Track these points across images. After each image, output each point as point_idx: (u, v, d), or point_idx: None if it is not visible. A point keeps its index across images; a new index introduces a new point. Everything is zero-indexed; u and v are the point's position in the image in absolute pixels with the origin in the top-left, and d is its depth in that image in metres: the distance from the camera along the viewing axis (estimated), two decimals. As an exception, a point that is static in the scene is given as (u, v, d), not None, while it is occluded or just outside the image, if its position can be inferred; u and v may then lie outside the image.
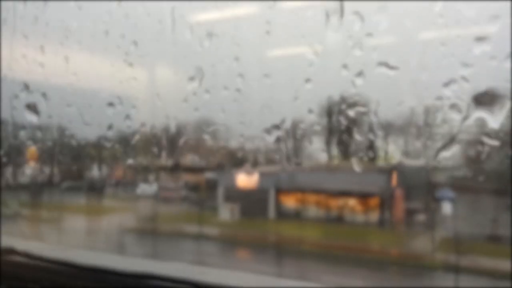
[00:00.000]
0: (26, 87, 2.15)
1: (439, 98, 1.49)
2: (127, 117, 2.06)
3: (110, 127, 2.06)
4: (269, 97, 1.73)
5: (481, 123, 1.40)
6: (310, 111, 1.75)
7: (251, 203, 13.62)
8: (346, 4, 1.51)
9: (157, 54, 2.01)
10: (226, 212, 14.42)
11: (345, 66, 1.60)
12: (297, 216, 13.26)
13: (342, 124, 2.04)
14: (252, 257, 12.72)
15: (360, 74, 1.54)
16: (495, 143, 1.43)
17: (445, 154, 1.51)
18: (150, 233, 13.95)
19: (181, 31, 1.79)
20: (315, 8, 1.58)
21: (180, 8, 1.94)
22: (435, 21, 1.40)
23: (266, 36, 1.63)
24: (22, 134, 2.38)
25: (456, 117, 1.44)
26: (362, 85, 1.55)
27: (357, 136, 1.74)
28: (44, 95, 2.16)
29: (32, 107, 2.11)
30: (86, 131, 2.11)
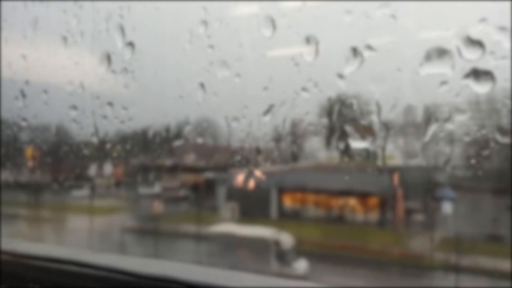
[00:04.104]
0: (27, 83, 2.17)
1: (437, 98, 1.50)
2: (128, 118, 2.06)
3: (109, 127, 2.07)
4: (269, 97, 1.73)
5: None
6: (310, 111, 1.75)
7: (252, 203, 13.63)
8: (347, 4, 1.51)
9: (156, 54, 2.01)
10: (227, 212, 14.44)
11: (346, 66, 1.60)
12: (297, 215, 13.27)
13: (342, 124, 2.03)
14: (252, 257, 12.73)
15: (361, 74, 1.54)
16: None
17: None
18: (150, 233, 13.98)
19: (181, 31, 1.79)
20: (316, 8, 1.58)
21: (179, 8, 1.94)
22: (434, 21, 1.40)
23: (266, 36, 1.63)
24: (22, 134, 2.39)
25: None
26: (363, 85, 1.55)
27: (358, 136, 1.74)
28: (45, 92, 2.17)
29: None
30: (85, 131, 2.11)
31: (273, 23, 1.57)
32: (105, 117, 2.04)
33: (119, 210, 15.21)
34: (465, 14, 1.32)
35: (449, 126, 1.50)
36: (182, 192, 15.45)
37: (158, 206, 15.11)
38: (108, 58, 1.94)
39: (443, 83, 1.45)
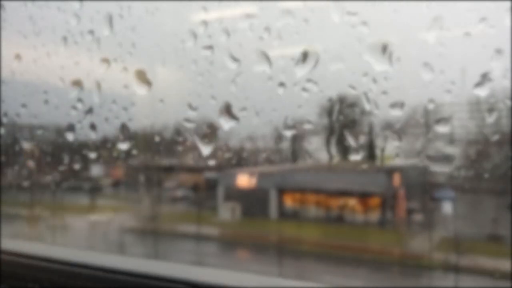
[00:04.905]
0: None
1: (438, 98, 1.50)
2: (128, 118, 2.06)
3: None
4: (269, 97, 1.73)
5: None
6: (310, 111, 1.75)
7: (252, 203, 13.63)
8: (347, 4, 1.51)
9: (156, 55, 2.01)
10: (226, 212, 14.45)
11: (346, 66, 1.60)
12: (297, 215, 13.27)
13: (342, 124, 2.03)
14: (253, 257, 12.73)
15: (361, 74, 1.55)
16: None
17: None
18: (151, 233, 13.99)
19: (181, 31, 1.79)
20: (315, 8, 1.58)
21: (179, 8, 1.94)
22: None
23: (267, 36, 1.63)
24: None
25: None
26: (363, 85, 1.55)
27: (357, 136, 1.74)
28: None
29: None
30: (85, 131, 2.11)
31: (273, 23, 1.57)
32: (105, 117, 2.04)
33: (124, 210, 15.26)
34: (465, 14, 1.32)
35: (449, 126, 1.50)
36: (181, 192, 15.49)
37: (158, 206, 15.12)
38: (108, 58, 1.94)
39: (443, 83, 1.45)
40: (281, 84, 1.66)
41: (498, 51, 1.28)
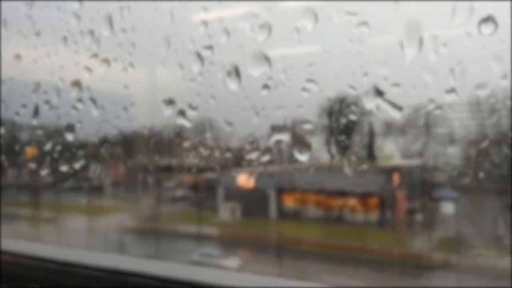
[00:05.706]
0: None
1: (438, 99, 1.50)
2: (128, 118, 2.06)
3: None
4: (269, 96, 1.73)
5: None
6: (310, 111, 1.75)
7: (251, 203, 13.63)
8: (347, 4, 1.51)
9: (156, 55, 2.01)
10: (226, 212, 14.45)
11: (346, 66, 1.60)
12: (297, 216, 13.27)
13: (342, 124, 2.03)
14: (252, 257, 12.73)
15: (362, 74, 1.54)
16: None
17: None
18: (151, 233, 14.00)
19: (181, 31, 1.79)
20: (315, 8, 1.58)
21: (179, 8, 1.94)
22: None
23: (266, 36, 1.63)
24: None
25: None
26: (363, 85, 1.55)
27: (357, 136, 1.74)
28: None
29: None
30: (85, 131, 2.11)
31: (273, 23, 1.57)
32: (105, 117, 2.04)
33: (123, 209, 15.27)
34: (465, 14, 1.32)
35: (449, 126, 1.50)
36: (181, 192, 15.48)
37: (157, 206, 15.13)
38: (108, 58, 1.94)
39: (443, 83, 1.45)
40: (281, 84, 1.67)
41: (498, 52, 1.28)
